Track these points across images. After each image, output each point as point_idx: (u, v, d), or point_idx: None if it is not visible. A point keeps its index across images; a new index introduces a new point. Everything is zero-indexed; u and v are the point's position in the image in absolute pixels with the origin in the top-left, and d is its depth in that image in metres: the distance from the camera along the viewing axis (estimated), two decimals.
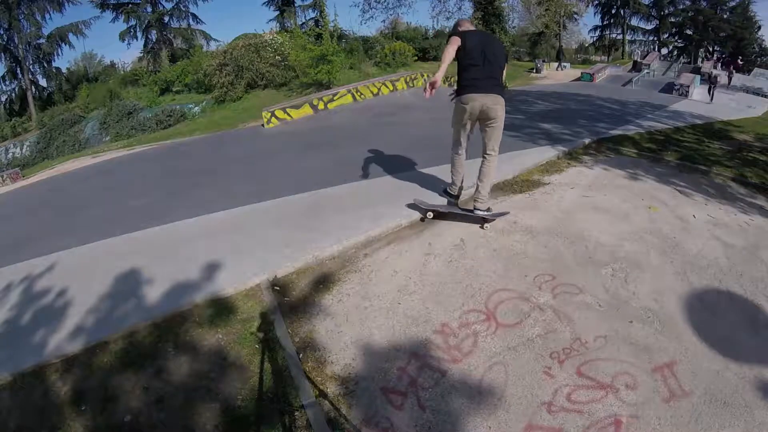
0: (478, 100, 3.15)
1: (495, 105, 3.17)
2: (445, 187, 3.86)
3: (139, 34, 26.65)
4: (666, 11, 34.02)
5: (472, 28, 3.39)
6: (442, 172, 4.61)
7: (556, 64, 25.63)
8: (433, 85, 3.01)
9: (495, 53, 3.21)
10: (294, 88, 16.99)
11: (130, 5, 25.87)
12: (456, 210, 3.60)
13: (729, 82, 18.63)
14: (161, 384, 2.26)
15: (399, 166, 5.05)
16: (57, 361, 2.48)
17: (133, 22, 26.25)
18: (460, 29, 3.32)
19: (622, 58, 32.40)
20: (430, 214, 3.56)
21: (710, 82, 15.33)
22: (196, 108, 18.18)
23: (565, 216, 3.56)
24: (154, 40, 26.88)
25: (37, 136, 19.68)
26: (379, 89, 12.63)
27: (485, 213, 3.39)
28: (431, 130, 7.86)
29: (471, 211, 3.44)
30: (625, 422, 1.84)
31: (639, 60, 22.58)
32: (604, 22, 36.06)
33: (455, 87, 3.29)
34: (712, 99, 14.48)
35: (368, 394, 2.08)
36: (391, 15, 25.79)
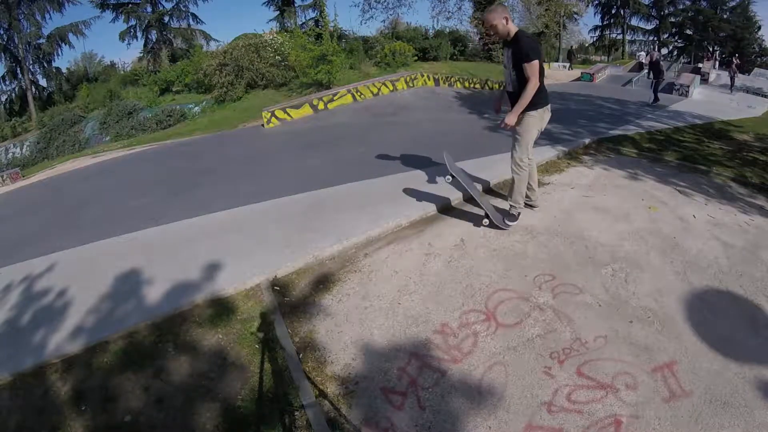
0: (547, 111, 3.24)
1: None
2: (514, 209, 3.39)
3: (139, 34, 26.64)
4: (666, 11, 34.01)
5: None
6: (442, 171, 4.61)
7: (557, 64, 25.52)
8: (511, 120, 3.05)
9: None
10: (294, 88, 16.97)
11: (130, 5, 25.85)
12: (479, 199, 3.42)
13: (732, 84, 17.20)
14: (161, 384, 2.26)
15: (399, 166, 5.05)
16: (57, 361, 2.48)
17: (133, 22, 26.24)
18: (509, 23, 2.99)
19: (622, 58, 32.39)
20: (448, 178, 3.43)
21: (651, 70, 12.33)
22: (196, 108, 18.16)
23: (565, 216, 3.56)
24: (154, 40, 26.86)
25: (37, 136, 19.66)
26: (379, 89, 12.63)
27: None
28: (431, 130, 7.87)
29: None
30: (625, 422, 1.84)
31: (643, 61, 22.21)
32: (604, 22, 36.05)
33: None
34: (655, 98, 11.79)
35: (368, 394, 2.08)
36: (391, 15, 25.82)
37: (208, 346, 2.48)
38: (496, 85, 15.51)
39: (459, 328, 2.43)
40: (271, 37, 19.20)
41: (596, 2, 34.82)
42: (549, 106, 3.20)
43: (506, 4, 22.88)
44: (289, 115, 11.27)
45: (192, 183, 6.11)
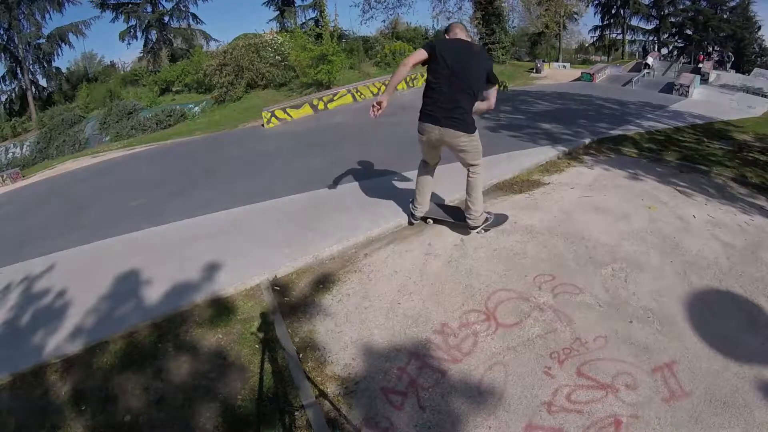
0: (433, 133, 2.86)
1: (454, 140, 2.86)
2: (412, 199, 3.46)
3: (139, 34, 26.64)
4: (666, 11, 33.97)
5: (462, 35, 2.87)
6: (442, 172, 4.59)
7: (557, 64, 25.29)
8: (379, 105, 2.75)
9: (468, 73, 2.71)
10: (294, 88, 16.98)
11: (130, 5, 25.85)
12: (448, 218, 3.48)
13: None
14: (161, 384, 2.26)
15: (399, 166, 5.05)
16: (57, 361, 2.48)
17: (133, 22, 26.24)
18: (447, 35, 2.92)
19: (623, 58, 32.37)
20: (429, 221, 3.54)
21: None
22: (196, 108, 18.16)
23: (565, 216, 3.56)
24: (154, 40, 26.87)
25: (37, 136, 19.66)
26: (379, 89, 12.62)
27: (481, 227, 3.26)
28: None
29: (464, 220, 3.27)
30: (625, 422, 1.84)
31: (644, 61, 21.84)
32: (604, 22, 36.02)
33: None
34: None
35: (368, 394, 2.08)
36: (391, 15, 25.78)
37: (208, 346, 2.48)
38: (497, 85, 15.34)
39: (459, 328, 2.43)
40: (271, 37, 19.19)
41: (596, 2, 34.80)
42: (425, 125, 2.91)
43: (506, 4, 22.88)
44: (289, 115, 11.27)
45: (192, 183, 6.11)
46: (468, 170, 3.11)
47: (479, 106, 2.95)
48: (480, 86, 2.84)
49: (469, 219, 3.20)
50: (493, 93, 2.96)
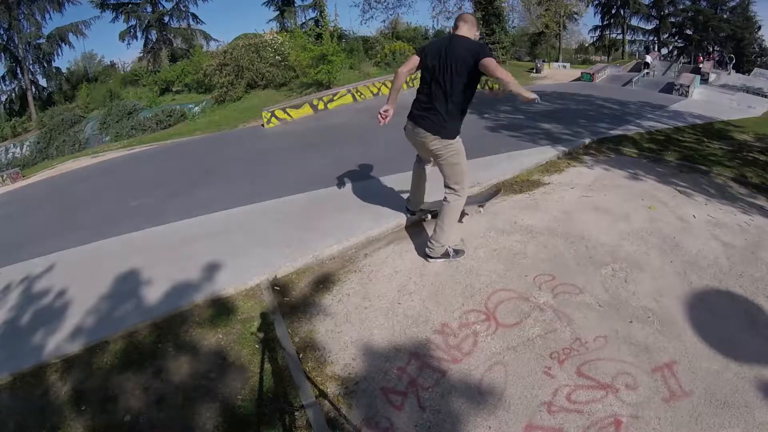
0: (408, 130, 2.94)
1: (424, 140, 2.77)
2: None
3: (139, 34, 26.67)
4: (666, 11, 33.98)
5: (463, 30, 2.68)
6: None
7: (557, 64, 25.27)
8: (385, 113, 2.89)
9: (444, 71, 2.57)
10: (294, 88, 16.99)
11: (130, 5, 25.87)
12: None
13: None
14: (161, 384, 2.26)
15: (399, 166, 5.04)
16: (57, 361, 2.48)
17: (133, 22, 26.27)
18: (454, 32, 2.75)
19: (623, 58, 32.37)
20: (428, 216, 3.55)
21: None
22: (196, 108, 18.17)
23: (565, 216, 3.56)
24: (154, 40, 26.89)
25: (37, 136, 19.67)
26: (379, 89, 12.64)
27: (436, 260, 2.97)
28: None
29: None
30: (625, 422, 1.84)
31: (644, 60, 21.73)
32: (604, 22, 36.03)
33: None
34: None
35: (368, 394, 2.08)
36: (391, 15, 25.82)
37: (208, 346, 2.48)
38: (496, 85, 15.40)
39: (459, 328, 2.43)
40: (271, 37, 19.21)
41: (596, 2, 34.81)
42: (407, 122, 2.97)
43: (506, 4, 22.90)
44: (289, 115, 11.27)
45: (192, 183, 6.11)
46: (444, 192, 2.90)
47: (504, 86, 2.50)
48: (457, 86, 2.58)
49: (428, 246, 2.98)
50: (492, 68, 2.42)
